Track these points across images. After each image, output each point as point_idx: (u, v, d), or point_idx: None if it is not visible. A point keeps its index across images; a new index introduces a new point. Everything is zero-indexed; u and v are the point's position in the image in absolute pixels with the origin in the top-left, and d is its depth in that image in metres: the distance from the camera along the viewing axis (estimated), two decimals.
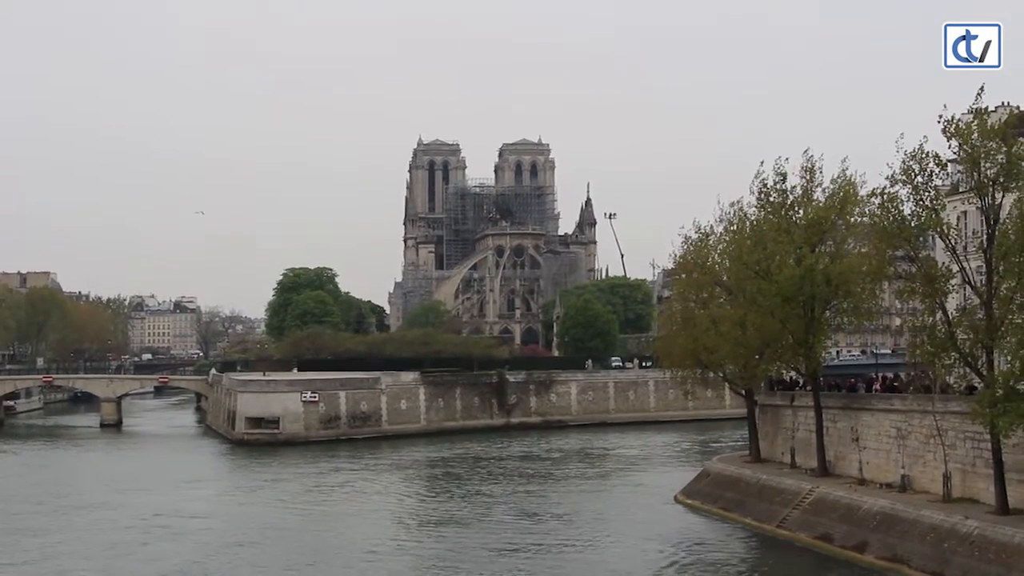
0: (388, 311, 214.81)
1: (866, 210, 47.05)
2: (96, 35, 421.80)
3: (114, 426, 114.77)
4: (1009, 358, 36.97)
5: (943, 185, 41.91)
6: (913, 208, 39.56)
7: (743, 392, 60.68)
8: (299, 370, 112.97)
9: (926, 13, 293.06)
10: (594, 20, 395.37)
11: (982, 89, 37.74)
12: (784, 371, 57.52)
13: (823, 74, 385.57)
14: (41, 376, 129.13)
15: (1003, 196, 38.00)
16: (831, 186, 49.28)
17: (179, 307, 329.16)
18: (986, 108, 38.93)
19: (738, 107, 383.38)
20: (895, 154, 39.56)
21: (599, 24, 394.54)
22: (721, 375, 60.94)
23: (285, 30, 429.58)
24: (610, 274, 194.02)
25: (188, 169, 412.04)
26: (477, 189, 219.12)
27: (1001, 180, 37.57)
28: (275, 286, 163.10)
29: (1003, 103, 55.13)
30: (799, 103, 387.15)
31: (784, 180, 50.18)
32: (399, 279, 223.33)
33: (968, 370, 39.36)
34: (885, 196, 40.17)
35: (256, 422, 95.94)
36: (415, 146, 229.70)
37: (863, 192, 47.70)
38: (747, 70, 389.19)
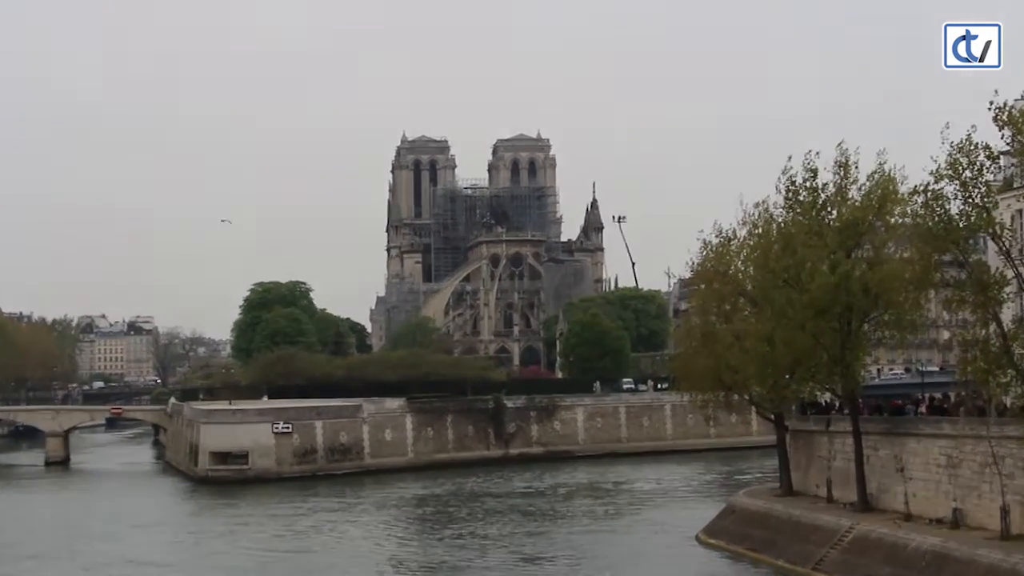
0: (370, 329, 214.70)
1: (908, 209, 46.88)
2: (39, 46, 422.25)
3: (61, 464, 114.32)
4: None
5: (995, 180, 41.79)
6: (961, 207, 39.46)
7: (772, 417, 60.46)
8: (270, 397, 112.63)
9: (926, 13, 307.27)
10: (598, 1, 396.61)
11: None
12: (818, 393, 57.34)
13: (823, 74, 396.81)
14: None
15: None
16: (868, 183, 49.15)
17: (134, 328, 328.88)
18: None
19: (738, 104, 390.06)
20: (940, 146, 39.49)
21: (604, 4, 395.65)
22: (747, 398, 60.75)
23: (248, 14, 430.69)
24: (620, 285, 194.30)
25: (142, 168, 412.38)
26: (469, 191, 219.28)
27: None
28: (242, 303, 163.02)
29: None
30: (799, 102, 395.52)
31: (815, 177, 50.06)
32: (382, 293, 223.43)
33: None
34: (929, 194, 40.07)
35: (221, 457, 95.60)
36: (398, 143, 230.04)
37: (904, 189, 47.62)
38: (747, 70, 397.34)
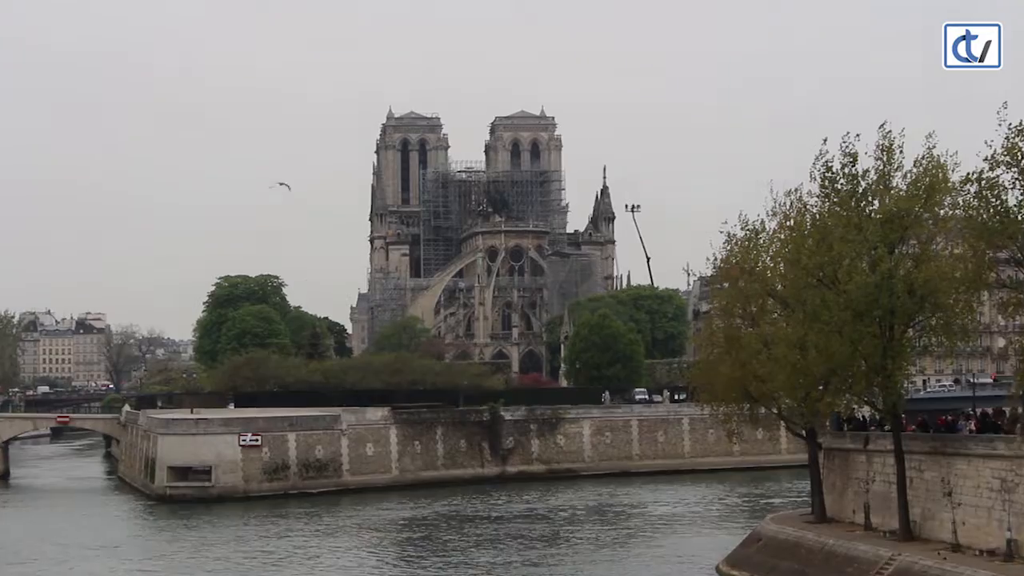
0: (350, 330, 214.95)
1: (960, 200, 46.86)
2: None
3: None
4: None
5: None
6: (1020, 197, 39.46)
7: (803, 433, 60.46)
8: (236, 406, 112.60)
9: (926, 13, 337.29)
10: None
11: None
12: (856, 406, 57.34)
13: (822, 74, 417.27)
14: None
15: None
16: (915, 170, 49.16)
17: (83, 326, 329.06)
18: None
19: (740, 105, 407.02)
20: (996, 129, 39.49)
21: None
22: (775, 411, 60.76)
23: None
24: (633, 282, 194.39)
25: (93, 148, 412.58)
26: (463, 175, 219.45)
27: None
28: (206, 299, 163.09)
29: None
30: (799, 102, 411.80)
31: (855, 162, 50.06)
32: (364, 290, 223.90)
33: None
34: (984, 182, 40.08)
35: (182, 473, 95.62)
36: (384, 120, 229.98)
37: (956, 177, 47.60)
38: (746, 69, 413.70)
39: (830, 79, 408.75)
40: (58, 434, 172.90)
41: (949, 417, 55.18)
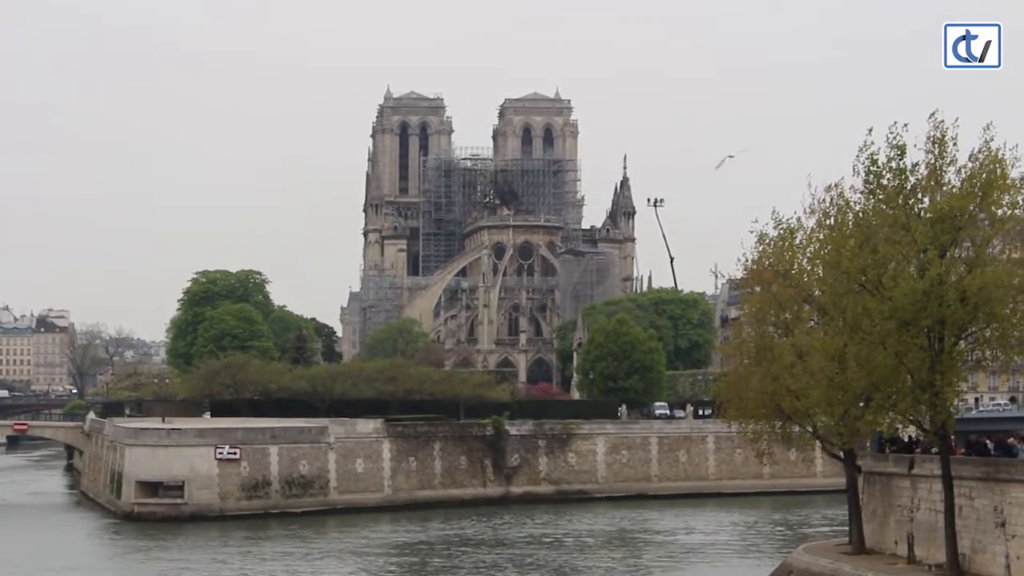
0: (340, 333, 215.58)
1: (1019, 199, 46.75)
2: None
3: None
4: None
5: None
6: None
7: (841, 455, 60.44)
8: (213, 415, 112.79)
9: (926, 13, 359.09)
10: None
11: None
12: (900, 426, 57.31)
13: (823, 73, 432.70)
14: None
15: None
16: (970, 164, 49.13)
17: (44, 324, 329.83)
18: None
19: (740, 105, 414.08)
20: None
21: None
22: (810, 430, 60.74)
23: None
24: (654, 284, 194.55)
25: (64, 129, 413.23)
26: (468, 163, 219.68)
27: None
28: (181, 297, 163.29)
29: None
30: (797, 103, 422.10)
31: (903, 155, 49.99)
32: (356, 288, 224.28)
33: None
34: None
35: (151, 488, 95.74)
36: (381, 101, 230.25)
37: (1015, 174, 47.55)
38: (745, 71, 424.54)
39: (831, 78, 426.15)
40: (15, 443, 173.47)
41: (1013, 439, 55.04)
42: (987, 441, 54.99)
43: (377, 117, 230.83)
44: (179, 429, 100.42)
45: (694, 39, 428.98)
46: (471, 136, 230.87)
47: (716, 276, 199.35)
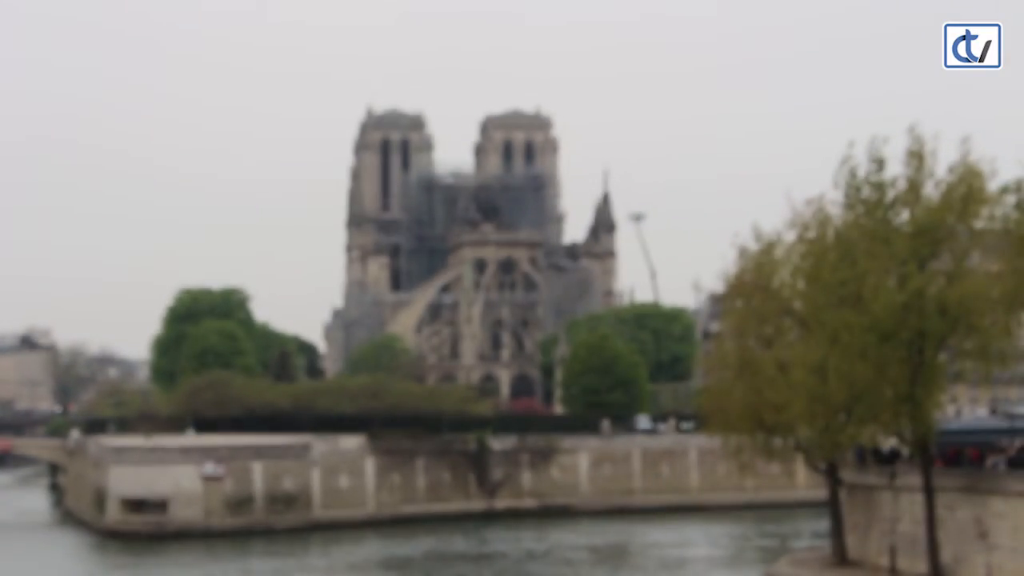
0: (323, 350, 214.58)
1: (997, 212, 46.89)
2: None
3: None
4: None
5: None
6: None
7: (823, 467, 60.52)
8: (197, 432, 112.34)
9: (926, 13, 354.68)
10: None
11: None
12: (881, 437, 57.39)
13: (823, 74, 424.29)
14: None
15: None
16: (948, 177, 49.30)
17: (27, 343, 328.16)
18: None
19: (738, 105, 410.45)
20: None
21: None
22: (792, 442, 60.81)
23: None
24: (636, 299, 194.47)
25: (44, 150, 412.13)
26: (450, 179, 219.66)
27: None
28: (164, 314, 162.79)
29: None
30: (798, 102, 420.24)
31: (882, 168, 50.18)
32: (339, 305, 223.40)
33: None
34: None
35: (135, 506, 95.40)
36: (363, 118, 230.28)
37: (994, 186, 47.71)
38: (745, 69, 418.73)
39: (830, 77, 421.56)
40: None
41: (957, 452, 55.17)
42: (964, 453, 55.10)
43: (359, 134, 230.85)
44: (163, 447, 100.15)
45: (681, 52, 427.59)
46: (452, 152, 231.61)
47: (698, 290, 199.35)
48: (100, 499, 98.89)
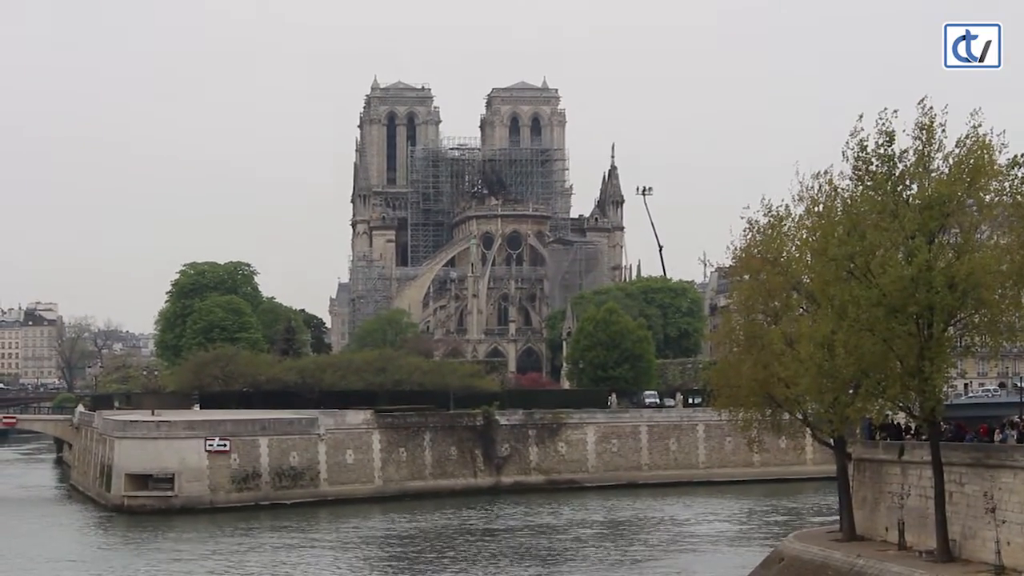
0: (329, 324, 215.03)
1: (1007, 185, 46.76)
2: None
3: None
4: None
5: None
6: None
7: (831, 442, 60.59)
8: (202, 407, 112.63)
9: (926, 13, 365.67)
10: None
11: None
12: (889, 412, 57.41)
13: (823, 74, 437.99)
14: None
15: None
16: (957, 151, 49.16)
17: (32, 317, 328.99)
18: None
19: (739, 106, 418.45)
20: None
21: None
22: (800, 417, 60.86)
23: None
24: (643, 273, 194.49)
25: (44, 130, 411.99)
26: (456, 152, 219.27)
27: None
28: (169, 289, 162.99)
29: None
30: (797, 101, 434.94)
31: (891, 142, 50.00)
32: (345, 280, 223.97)
33: None
34: None
35: (141, 481, 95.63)
36: (368, 91, 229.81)
37: (1003, 159, 47.60)
38: (746, 70, 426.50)
39: (830, 77, 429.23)
40: (3, 437, 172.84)
41: (972, 428, 55.17)
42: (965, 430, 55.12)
43: (364, 107, 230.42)
44: (168, 421, 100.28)
45: (686, 26, 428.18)
46: (459, 126, 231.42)
47: (705, 264, 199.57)
48: (106, 474, 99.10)
